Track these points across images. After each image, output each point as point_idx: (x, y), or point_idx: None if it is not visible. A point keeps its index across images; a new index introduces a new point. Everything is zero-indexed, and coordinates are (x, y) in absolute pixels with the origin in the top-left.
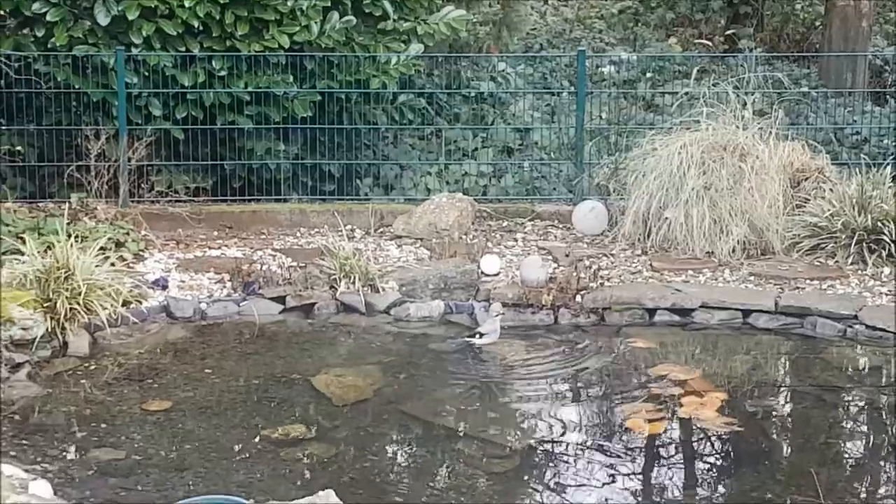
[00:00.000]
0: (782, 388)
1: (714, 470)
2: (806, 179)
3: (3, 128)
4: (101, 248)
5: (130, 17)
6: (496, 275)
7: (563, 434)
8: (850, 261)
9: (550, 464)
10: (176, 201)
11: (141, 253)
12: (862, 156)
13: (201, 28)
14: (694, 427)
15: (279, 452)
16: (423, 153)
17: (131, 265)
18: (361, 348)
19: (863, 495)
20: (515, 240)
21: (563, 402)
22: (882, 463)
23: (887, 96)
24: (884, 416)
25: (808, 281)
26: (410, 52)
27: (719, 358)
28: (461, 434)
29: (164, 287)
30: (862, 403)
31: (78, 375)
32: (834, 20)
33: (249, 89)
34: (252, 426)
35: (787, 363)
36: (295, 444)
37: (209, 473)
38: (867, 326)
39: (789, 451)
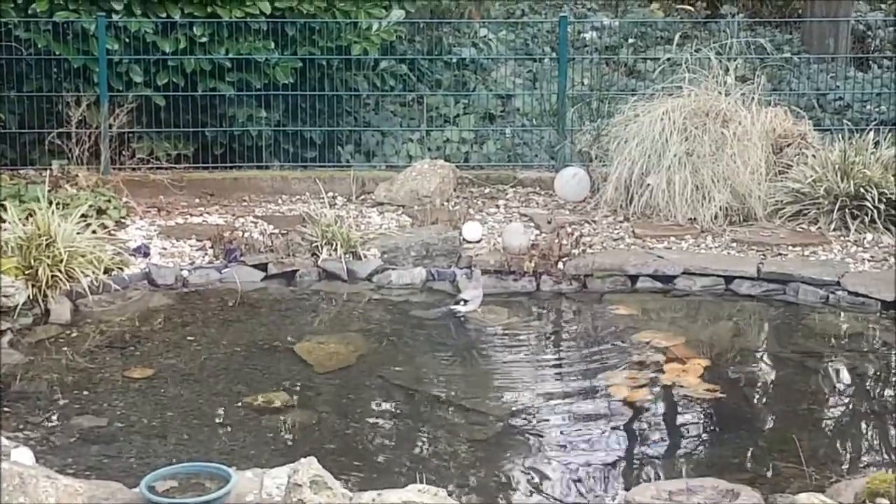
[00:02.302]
0: (764, 355)
1: (696, 436)
2: (788, 145)
3: None
4: (83, 216)
5: None
6: (478, 242)
7: (544, 401)
8: (832, 227)
9: (532, 431)
10: (157, 168)
11: (122, 220)
12: (845, 122)
13: None
14: (676, 394)
15: (261, 420)
16: (404, 120)
17: (113, 232)
18: (343, 315)
19: (844, 461)
20: (497, 206)
21: (545, 370)
22: (863, 429)
23: (870, 62)
24: (865, 383)
25: (790, 247)
26: (392, 17)
27: (702, 324)
28: (443, 401)
29: (146, 254)
30: (844, 370)
31: (60, 343)
32: None
33: (230, 56)
34: (234, 393)
35: (769, 330)
36: (277, 411)
37: (191, 441)
38: (849, 293)
39: (771, 417)
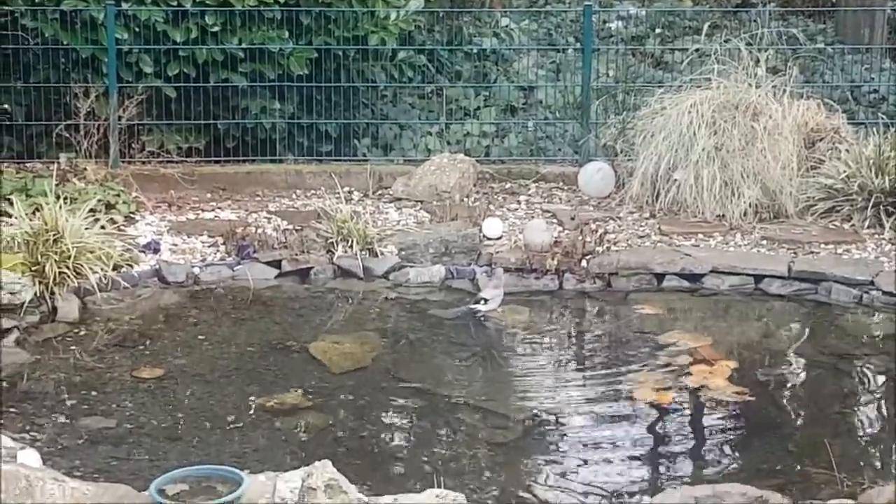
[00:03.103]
0: (795, 357)
1: (724, 441)
2: (821, 140)
3: None
4: (91, 210)
5: None
6: (499, 238)
7: (567, 404)
8: (866, 224)
9: (554, 435)
10: (168, 162)
11: (132, 215)
12: (880, 115)
13: None
14: (703, 396)
15: (274, 422)
16: (423, 112)
17: (122, 228)
18: (359, 314)
19: (877, 467)
20: (519, 202)
21: (568, 371)
22: None
23: None
24: None
25: (822, 245)
26: (410, 6)
27: (730, 325)
28: (462, 403)
29: (156, 251)
30: (878, 372)
31: (67, 341)
32: None
33: (243, 45)
34: (246, 394)
35: (800, 330)
36: (291, 413)
37: (202, 443)
38: (884, 292)
39: (802, 421)
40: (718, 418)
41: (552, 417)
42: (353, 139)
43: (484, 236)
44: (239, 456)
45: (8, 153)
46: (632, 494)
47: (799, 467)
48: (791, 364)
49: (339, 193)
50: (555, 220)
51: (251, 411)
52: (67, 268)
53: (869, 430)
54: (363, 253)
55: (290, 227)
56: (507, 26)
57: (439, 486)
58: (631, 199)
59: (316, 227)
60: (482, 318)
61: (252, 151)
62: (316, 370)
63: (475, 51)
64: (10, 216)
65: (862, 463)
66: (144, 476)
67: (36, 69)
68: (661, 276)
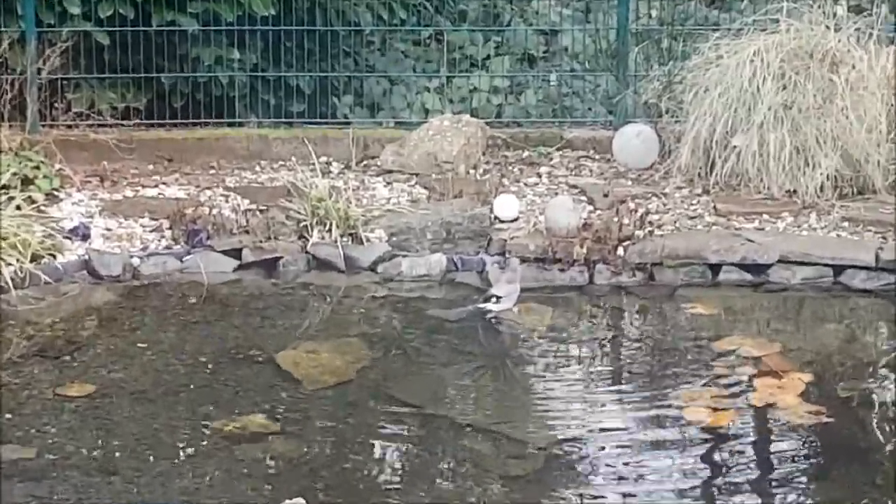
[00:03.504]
0: (884, 368)
1: (796, 473)
2: None
3: None
4: (4, 187)
5: None
6: (514, 221)
7: (600, 429)
8: None
9: (583, 467)
10: (99, 126)
11: (55, 193)
12: None
13: None
14: (770, 418)
15: (234, 450)
16: (419, 63)
17: (43, 209)
18: (340, 316)
19: None
20: (539, 175)
21: (601, 387)
22: None
23: None
24: None
25: None
26: None
27: (803, 328)
28: (469, 428)
29: (86, 237)
30: None
31: None
32: None
33: None
34: (199, 417)
35: (890, 334)
36: (255, 439)
37: (144, 477)
38: None
39: (892, 447)
40: (789, 445)
41: (581, 445)
42: (331, 97)
43: (495, 218)
44: (190, 493)
45: None
46: None
47: None
48: (879, 377)
49: (314, 165)
50: (584, 198)
51: (205, 438)
52: None
53: None
54: (344, 239)
55: (253, 207)
56: None
57: None
58: (679, 170)
59: (285, 206)
60: (494, 321)
61: (205, 112)
62: (286, 386)
63: None
64: None
65: None
66: None
67: None
68: (716, 268)
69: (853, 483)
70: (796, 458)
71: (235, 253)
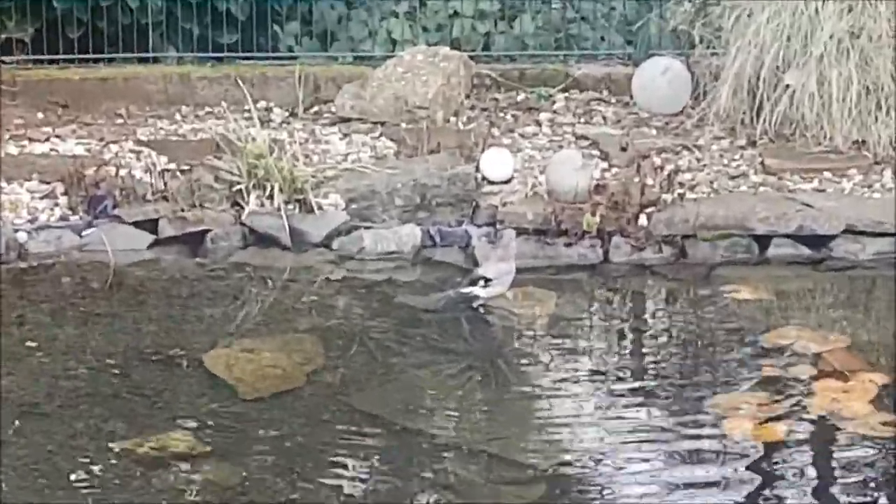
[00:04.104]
0: None
1: (866, 499)
2: None
3: None
4: None
5: None
6: (507, 182)
7: (616, 444)
8: None
9: (595, 493)
10: None
11: None
12: None
13: None
14: (834, 430)
15: (150, 477)
16: None
17: None
18: (286, 306)
19: None
20: (539, 124)
21: (619, 393)
22: None
23: None
24: None
25: None
26: None
27: (876, 317)
28: (452, 446)
29: None
30: None
31: None
32: None
33: None
34: (106, 435)
35: None
36: (177, 463)
37: None
38: None
39: None
40: (859, 463)
41: (592, 467)
42: (271, 25)
43: (483, 178)
44: None
45: None
46: None
47: None
48: None
49: (249, 112)
50: (596, 152)
51: (113, 460)
52: None
53: None
54: (290, 207)
55: (173, 166)
56: None
57: None
58: (717, 116)
59: (214, 166)
60: (482, 310)
61: (110, 45)
62: (216, 395)
63: None
64: None
65: None
66: None
67: None
68: (765, 240)
69: None
70: (867, 479)
71: (150, 225)
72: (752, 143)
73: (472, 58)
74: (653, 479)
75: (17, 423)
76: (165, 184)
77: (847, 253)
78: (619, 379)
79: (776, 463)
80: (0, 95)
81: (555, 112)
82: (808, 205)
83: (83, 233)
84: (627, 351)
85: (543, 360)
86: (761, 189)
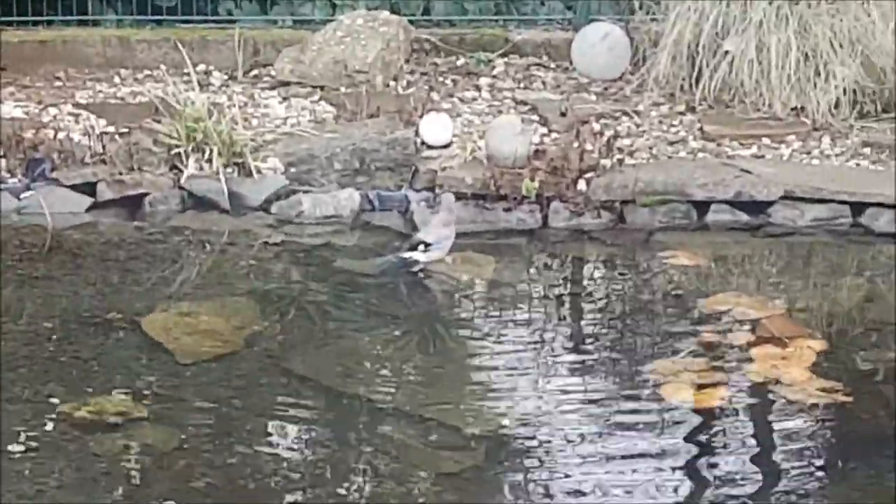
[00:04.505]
0: None
1: (804, 469)
2: None
3: None
4: None
5: None
6: (446, 147)
7: (554, 412)
8: None
9: (532, 460)
10: None
11: None
12: None
13: None
14: (772, 397)
15: (88, 442)
16: None
17: None
18: (224, 270)
19: None
20: (478, 88)
21: (557, 359)
22: None
23: None
24: None
25: None
26: None
27: (813, 282)
28: (390, 410)
29: None
30: None
31: None
32: None
33: None
34: (42, 399)
35: None
36: (114, 427)
37: None
38: None
39: None
40: (796, 432)
41: (529, 433)
42: None
43: (422, 143)
44: (30, 498)
45: None
46: None
47: None
48: None
49: (188, 75)
50: (536, 118)
51: (50, 425)
52: None
53: None
54: (229, 170)
55: (112, 129)
56: None
57: None
58: (656, 82)
59: (152, 129)
60: (421, 275)
61: (48, 8)
62: (155, 359)
63: None
64: None
65: None
66: None
67: None
68: (704, 206)
69: (877, 477)
70: (806, 449)
71: (89, 188)
72: (692, 109)
73: (411, 22)
74: (591, 445)
75: None
76: (104, 147)
77: (785, 219)
78: (558, 345)
79: (714, 430)
80: None
81: (494, 77)
82: (746, 171)
83: (21, 196)
84: (566, 317)
85: (482, 325)
86: (700, 155)
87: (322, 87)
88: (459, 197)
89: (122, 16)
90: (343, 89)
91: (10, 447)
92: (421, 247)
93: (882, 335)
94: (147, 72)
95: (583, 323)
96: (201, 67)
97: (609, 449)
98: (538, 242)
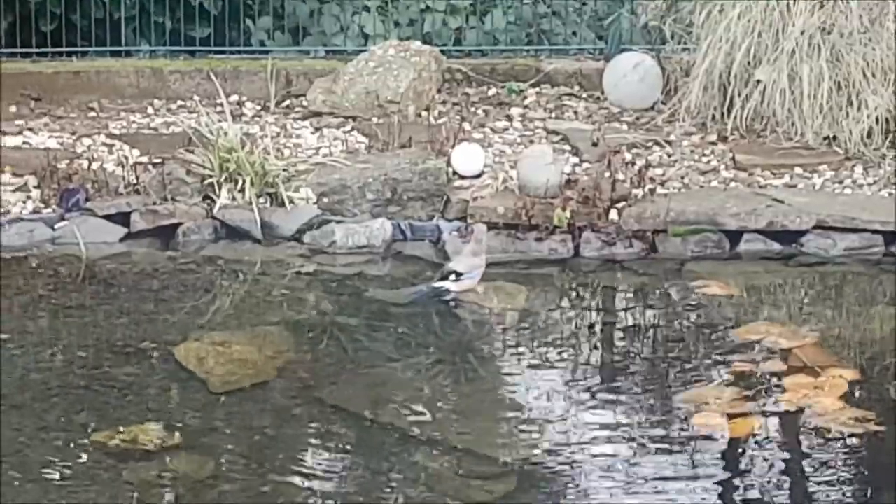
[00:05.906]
0: None
1: (836, 498)
2: None
3: None
4: None
5: None
6: (478, 176)
7: (586, 439)
8: None
9: (564, 489)
10: None
11: None
12: None
13: None
14: (804, 426)
15: (121, 470)
16: None
17: None
18: (257, 299)
19: None
20: (510, 118)
21: (589, 388)
22: None
23: None
24: None
25: None
26: None
27: (845, 312)
28: (422, 439)
29: None
30: None
31: None
32: None
33: None
34: (76, 427)
35: None
36: (148, 456)
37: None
38: None
39: None
40: (828, 460)
41: (561, 461)
42: (243, 19)
43: (454, 173)
44: None
45: None
46: None
47: None
48: None
49: (221, 105)
50: (567, 147)
51: (83, 453)
52: None
53: None
54: (261, 201)
55: (145, 159)
56: None
57: None
58: (688, 112)
59: (186, 159)
60: (452, 304)
61: (83, 39)
62: (187, 388)
63: None
64: None
65: None
66: None
67: None
68: (736, 235)
69: None
70: (837, 477)
71: (122, 218)
72: (723, 139)
73: (443, 52)
74: (622, 473)
75: None
76: (137, 177)
77: (818, 248)
78: (590, 374)
79: (746, 459)
80: None
81: (526, 107)
82: (778, 200)
83: (55, 226)
84: (597, 346)
85: (513, 355)
86: (732, 184)
87: (354, 118)
88: (491, 227)
89: (155, 47)
90: (375, 119)
91: (44, 475)
92: (452, 276)
93: None
94: (180, 102)
95: (614, 352)
96: (234, 98)
97: (640, 478)
98: (570, 272)
